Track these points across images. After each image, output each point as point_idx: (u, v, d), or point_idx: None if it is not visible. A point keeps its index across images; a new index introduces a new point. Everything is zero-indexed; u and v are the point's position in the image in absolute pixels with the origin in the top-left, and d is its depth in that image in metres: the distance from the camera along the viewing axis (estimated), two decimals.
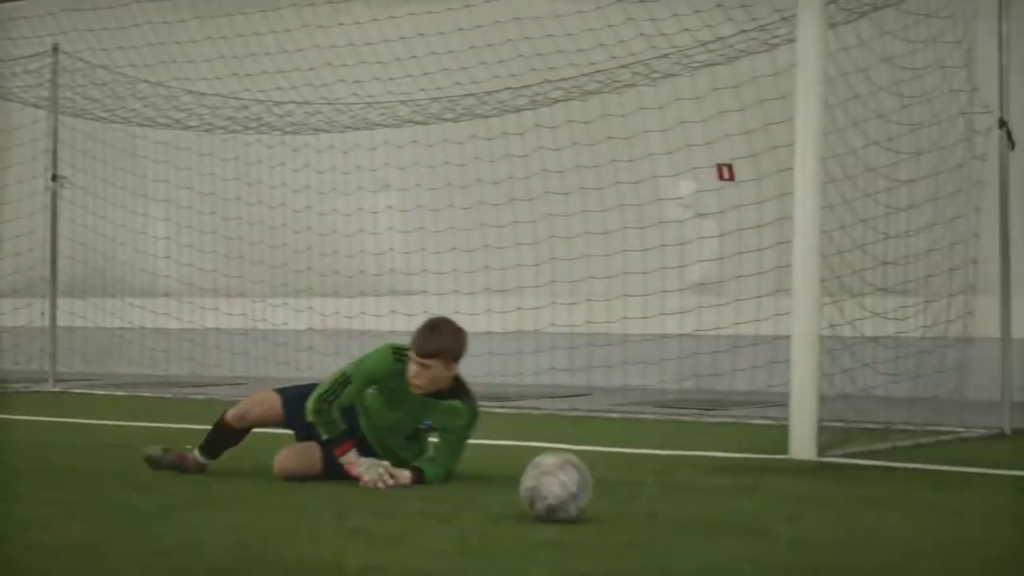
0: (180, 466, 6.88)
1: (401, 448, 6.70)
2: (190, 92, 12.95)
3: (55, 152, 14.17)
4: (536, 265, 12.46)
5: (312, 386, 6.65)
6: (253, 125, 12.95)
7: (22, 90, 14.17)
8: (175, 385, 13.51)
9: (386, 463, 6.54)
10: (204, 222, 14.44)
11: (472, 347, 12.65)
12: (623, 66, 10.83)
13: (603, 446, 8.51)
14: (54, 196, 14.13)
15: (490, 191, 12.56)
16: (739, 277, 11.45)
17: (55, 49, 13.90)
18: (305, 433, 6.71)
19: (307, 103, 12.41)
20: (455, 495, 6.17)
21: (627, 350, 12.07)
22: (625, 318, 11.99)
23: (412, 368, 6.42)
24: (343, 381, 6.58)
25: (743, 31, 9.98)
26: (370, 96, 11.97)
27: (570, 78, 11.14)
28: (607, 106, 11.75)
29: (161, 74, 13.01)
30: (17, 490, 6.36)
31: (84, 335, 15.21)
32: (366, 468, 6.50)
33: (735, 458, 7.96)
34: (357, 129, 12.71)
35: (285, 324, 13.67)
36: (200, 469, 6.92)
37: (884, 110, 9.77)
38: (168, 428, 9.67)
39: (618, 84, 11.06)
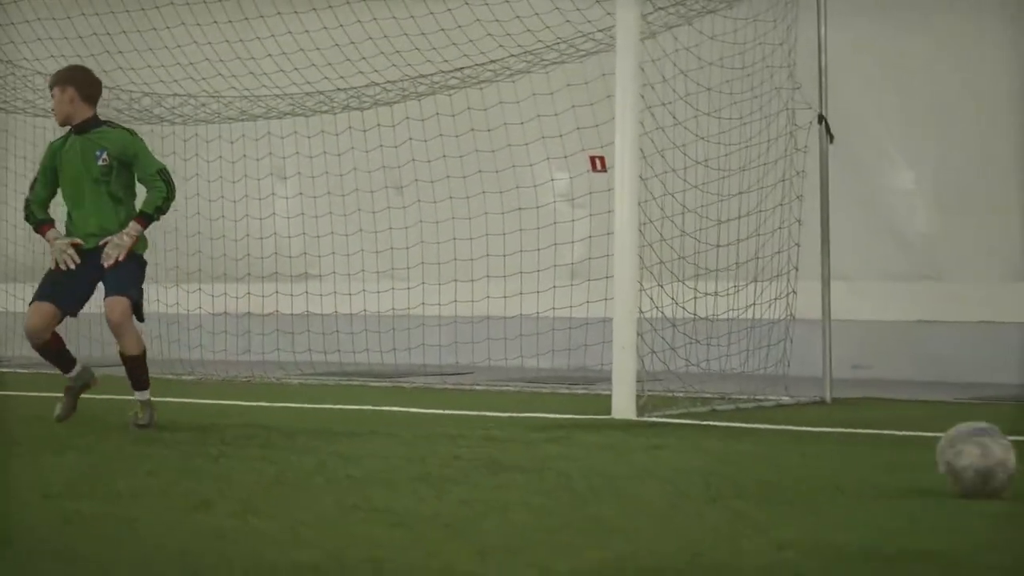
0: (76, 396, 8.51)
1: (98, 193, 8.16)
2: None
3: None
4: (407, 248, 13.23)
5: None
6: (143, 117, 13.59)
7: None
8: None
9: (70, 240, 8.12)
10: None
11: (353, 326, 13.38)
12: (479, 64, 11.67)
13: (456, 410, 9.41)
14: None
15: (364, 179, 13.33)
16: (591, 260, 12.26)
17: None
18: (77, 308, 8.32)
19: (190, 96, 13.10)
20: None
21: (493, 330, 12.84)
22: (488, 297, 12.76)
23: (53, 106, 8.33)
24: (32, 185, 8.50)
25: (582, 34, 10.84)
26: (247, 90, 12.68)
27: (431, 74, 11.94)
28: (471, 100, 12.56)
29: (53, 66, 13.59)
30: None
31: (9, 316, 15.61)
32: (55, 248, 8.16)
33: (563, 418, 8.87)
34: (241, 120, 13.44)
35: (176, 304, 14.29)
36: (84, 382, 8.54)
37: (714, 107, 10.70)
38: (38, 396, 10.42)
39: (475, 81, 11.89)
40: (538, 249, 12.58)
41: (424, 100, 12.62)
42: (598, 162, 12.22)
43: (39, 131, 14.33)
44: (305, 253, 13.99)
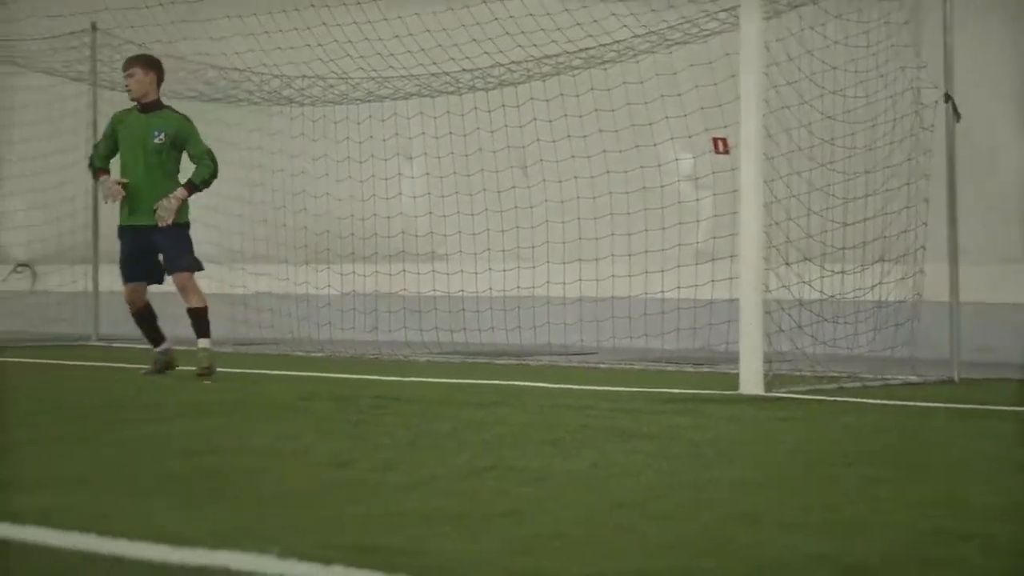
0: (165, 367, 10.10)
1: (154, 168, 9.75)
2: (213, 66, 13.89)
3: (95, 123, 15.18)
4: (532, 227, 13.33)
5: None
6: (273, 98, 13.87)
7: (64, 65, 15.11)
8: (215, 343, 14.47)
9: (116, 179, 9.80)
10: (231, 189, 15.32)
11: (479, 305, 13.52)
12: (603, 44, 11.75)
13: (582, 385, 9.51)
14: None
15: (490, 159, 13.45)
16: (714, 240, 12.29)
17: (93, 27, 14.92)
18: (157, 277, 10.03)
19: (319, 78, 13.32)
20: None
21: (617, 309, 12.90)
22: (613, 277, 12.83)
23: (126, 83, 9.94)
24: (96, 146, 10.30)
25: (706, 13, 10.87)
26: (374, 71, 12.87)
27: (555, 55, 12.04)
28: (595, 80, 12.64)
29: (185, 49, 13.92)
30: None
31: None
32: (104, 185, 9.90)
33: (690, 393, 8.93)
34: (368, 102, 13.64)
35: (305, 283, 14.56)
36: (168, 359, 10.13)
37: (839, 86, 10.69)
38: (189, 371, 10.71)
39: (599, 61, 11.97)
40: (663, 229, 12.62)
41: (549, 80, 12.71)
42: (720, 144, 12.23)
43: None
44: (432, 233, 14.15)
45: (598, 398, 8.56)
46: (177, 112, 10.03)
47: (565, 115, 12.89)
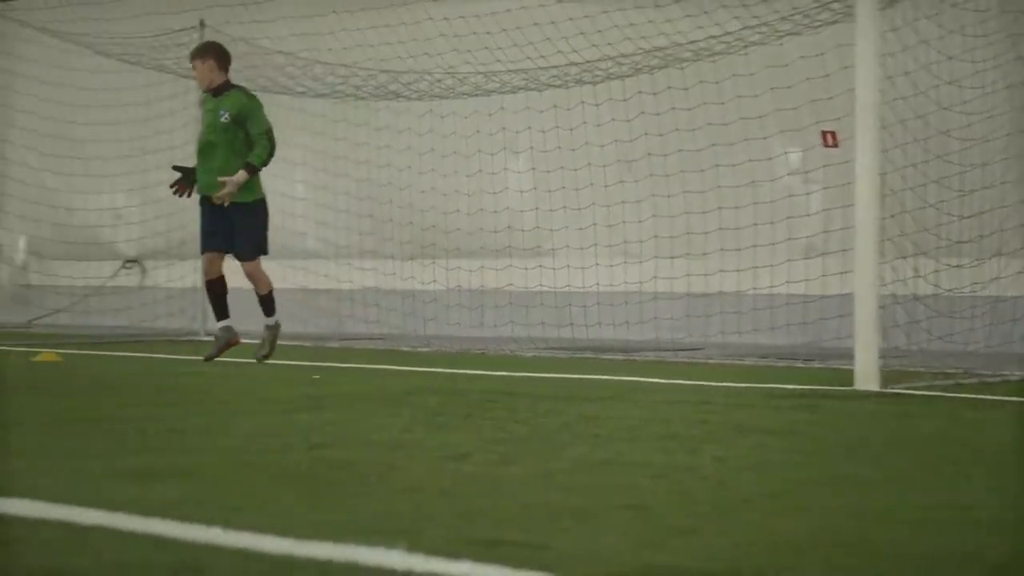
0: (228, 344, 10.61)
1: (223, 145, 10.29)
2: (320, 62, 13.93)
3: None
4: (639, 222, 13.23)
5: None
6: (379, 93, 13.88)
7: (173, 62, 15.24)
8: (316, 338, 14.56)
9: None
10: (338, 184, 15.38)
11: (585, 300, 13.42)
12: (712, 36, 11.62)
13: (693, 381, 9.41)
14: None
15: (597, 153, 13.37)
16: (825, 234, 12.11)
17: (201, 24, 15.04)
18: (227, 246, 10.55)
19: (426, 72, 13.32)
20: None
21: (726, 304, 12.77)
22: (721, 272, 12.70)
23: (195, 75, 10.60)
24: None
25: (819, 4, 10.71)
26: (481, 65, 12.84)
27: (664, 48, 11.93)
28: (703, 73, 12.51)
29: (293, 45, 13.98)
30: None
31: (233, 294, 16.20)
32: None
33: (805, 389, 8.79)
34: (475, 96, 13.61)
35: (411, 278, 14.57)
36: (228, 336, 10.58)
37: (955, 77, 10.50)
38: (291, 364, 10.77)
39: (708, 54, 11.84)
40: (772, 223, 12.48)
41: (656, 73, 12.60)
42: (829, 137, 12.06)
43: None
44: (538, 228, 14.09)
45: (711, 393, 8.46)
46: (244, 92, 10.59)
47: (673, 108, 12.77)
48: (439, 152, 14.32)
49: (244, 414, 6.95)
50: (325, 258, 15.68)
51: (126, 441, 5.77)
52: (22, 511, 4.05)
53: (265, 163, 10.45)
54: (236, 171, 10.28)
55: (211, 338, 13.81)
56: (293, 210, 15.96)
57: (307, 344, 13.75)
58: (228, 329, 10.64)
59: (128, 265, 18.27)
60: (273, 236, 16.22)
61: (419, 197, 14.52)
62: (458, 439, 6.04)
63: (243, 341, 10.70)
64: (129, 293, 17.36)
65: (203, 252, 10.64)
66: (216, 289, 10.67)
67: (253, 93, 10.76)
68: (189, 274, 15.91)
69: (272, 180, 16.16)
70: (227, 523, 3.88)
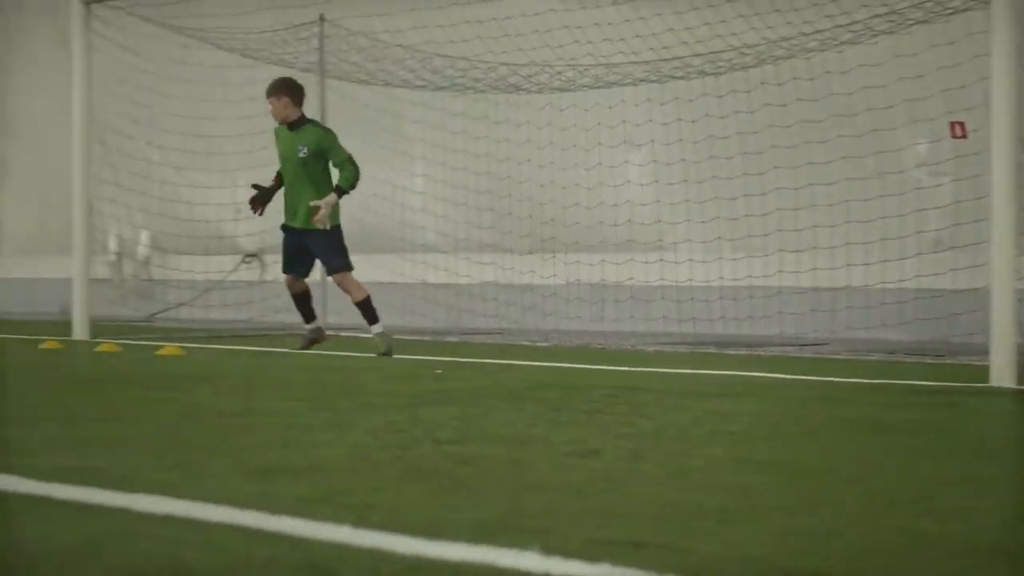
0: (315, 340, 11.42)
1: (301, 178, 10.90)
2: (440, 55, 13.86)
3: (323, 114, 15.31)
4: (763, 215, 12.99)
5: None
6: (499, 85, 13.78)
7: (293, 57, 15.26)
8: (435, 332, 14.50)
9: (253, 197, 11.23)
10: (457, 178, 15.31)
11: (708, 295, 13.20)
12: (839, 26, 11.35)
13: (821, 376, 9.18)
14: None
15: (720, 145, 13.16)
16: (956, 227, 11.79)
17: (321, 19, 15.04)
18: (305, 271, 11.29)
19: (547, 64, 13.18)
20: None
21: (852, 299, 12.50)
22: (848, 266, 12.44)
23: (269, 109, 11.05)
24: None
25: None
26: (602, 56, 12.68)
27: (789, 38, 11.69)
28: (829, 63, 12.24)
29: (413, 39, 13.92)
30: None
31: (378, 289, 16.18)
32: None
33: (939, 385, 8.53)
34: (596, 88, 13.45)
35: (531, 272, 14.46)
36: (314, 335, 11.44)
37: None
38: (411, 359, 10.71)
39: (834, 43, 11.57)
40: (900, 216, 12.19)
41: (781, 64, 12.36)
42: (958, 127, 11.78)
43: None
44: (659, 221, 13.91)
45: (841, 390, 8.25)
46: (319, 126, 11.23)
47: (798, 99, 12.52)
48: (559, 145, 14.19)
49: (368, 409, 6.86)
50: (444, 252, 15.62)
51: (251, 437, 5.71)
52: (148, 507, 3.98)
53: (353, 186, 10.97)
54: (316, 199, 10.86)
55: (330, 333, 13.93)
56: (412, 204, 15.93)
57: (426, 338, 13.70)
58: (316, 329, 11.55)
59: (248, 259, 18.37)
60: (392, 230, 16.32)
61: (538, 191, 14.40)
62: (584, 435, 5.91)
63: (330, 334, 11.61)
64: (249, 287, 17.45)
65: (284, 272, 11.37)
66: (301, 299, 11.38)
67: (327, 126, 11.38)
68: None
69: (391, 174, 16.17)
70: (357, 521, 3.77)
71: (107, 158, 16.77)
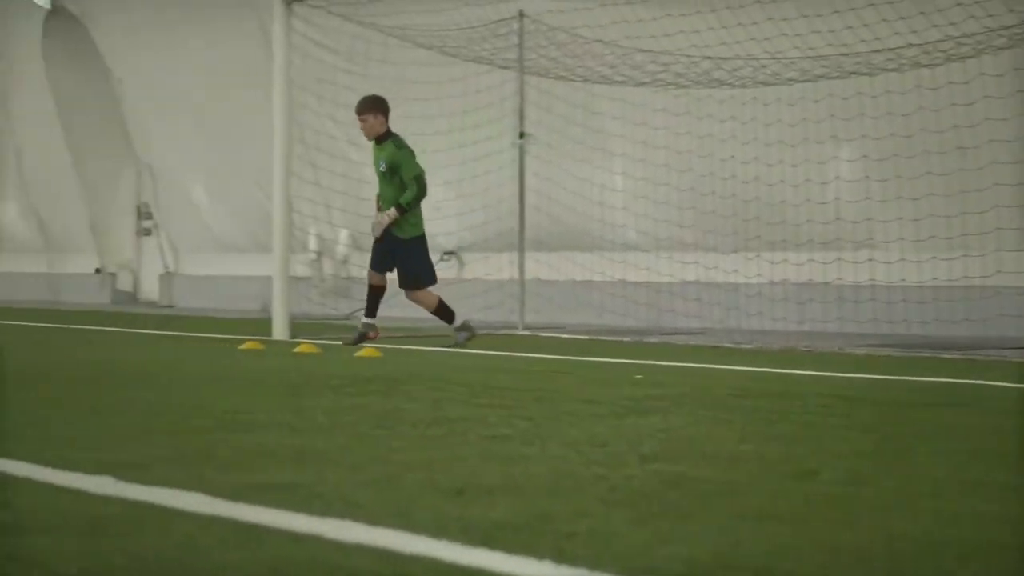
0: (367, 337, 12.10)
1: (385, 189, 12.00)
2: (641, 50, 13.53)
3: (522, 111, 15.12)
4: (980, 213, 12.41)
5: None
6: (703, 80, 13.40)
7: (491, 53, 15.09)
8: (635, 332, 14.19)
9: (380, 216, 12.06)
10: (659, 175, 14.98)
11: (921, 296, 12.67)
12: None
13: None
14: (521, 153, 15.06)
15: (934, 140, 12.59)
16: None
17: (520, 14, 14.83)
18: (388, 269, 12.23)
19: (752, 58, 12.77)
20: None
21: None
22: None
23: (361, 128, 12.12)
24: None
25: None
26: (810, 49, 12.22)
27: (1011, 26, 11.10)
28: None
29: (614, 33, 13.61)
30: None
31: (552, 285, 16.03)
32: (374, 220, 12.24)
33: None
34: (802, 82, 13.00)
35: (735, 271, 14.08)
36: (364, 331, 12.17)
37: None
38: (612, 362, 10.42)
39: None
40: None
41: (1000, 54, 11.77)
42: None
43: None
44: (869, 219, 13.39)
45: None
46: (396, 143, 11.99)
47: (1020, 91, 11.91)
48: (763, 141, 13.76)
49: (568, 418, 6.58)
50: (644, 251, 15.32)
51: (446, 449, 5.47)
52: (338, 534, 3.74)
53: (411, 205, 11.88)
54: None
55: (527, 332, 13.72)
56: (612, 202, 15.65)
57: (626, 339, 13.41)
58: (371, 326, 12.23)
59: (446, 257, 18.30)
60: (591, 228, 16.07)
61: (742, 188, 13.98)
62: (799, 452, 5.54)
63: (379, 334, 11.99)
64: (448, 285, 17.36)
65: (370, 269, 12.27)
66: (375, 293, 12.24)
67: (404, 142, 12.06)
68: (507, 267, 15.77)
69: (591, 171, 15.91)
70: (558, 555, 3.49)
71: (307, 157, 16.80)
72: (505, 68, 15.22)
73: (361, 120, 12.03)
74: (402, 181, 11.89)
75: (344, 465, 5.00)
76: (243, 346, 11.79)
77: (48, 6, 23.31)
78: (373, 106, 12.02)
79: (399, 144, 11.99)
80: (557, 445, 5.60)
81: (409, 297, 12.30)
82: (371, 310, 12.24)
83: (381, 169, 11.96)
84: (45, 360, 10.54)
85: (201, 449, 5.35)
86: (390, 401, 7.23)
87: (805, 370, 9.91)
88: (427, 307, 12.27)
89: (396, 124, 12.33)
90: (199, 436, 5.74)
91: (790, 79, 12.91)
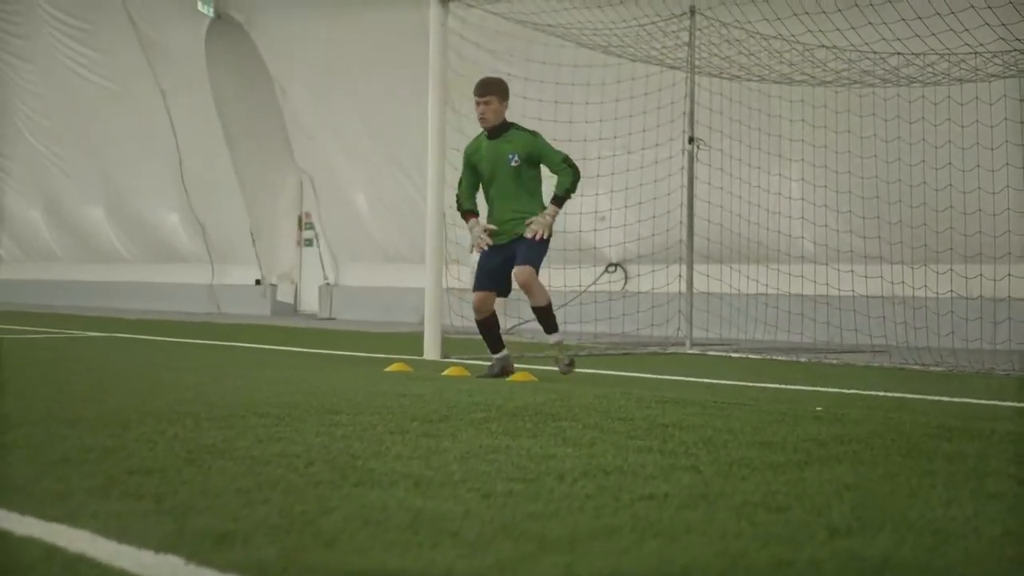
0: (504, 371, 10.27)
1: (513, 197, 10.05)
2: (824, 47, 12.50)
3: (691, 114, 14.18)
4: None
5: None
6: (891, 78, 12.33)
7: (660, 53, 14.20)
8: (811, 351, 13.19)
9: (485, 226, 10.13)
10: (840, 182, 13.97)
11: None
12: None
13: None
14: (691, 159, 14.13)
15: None
16: None
17: (692, 11, 13.89)
18: (506, 290, 10.27)
19: (950, 53, 11.66)
20: None
21: None
22: None
23: (477, 111, 10.20)
24: (459, 182, 10.39)
25: None
26: (980, 45, 11.08)
27: None
28: None
29: (795, 28, 12.60)
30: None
31: (721, 300, 15.13)
32: (473, 233, 10.20)
33: None
34: (974, 81, 11.85)
35: (924, 287, 13.01)
36: (503, 365, 10.31)
37: None
38: (788, 389, 9.45)
39: None
40: None
41: None
42: None
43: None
44: None
45: None
46: (522, 129, 10.25)
47: None
48: (957, 144, 12.62)
49: (741, 469, 5.62)
50: (823, 263, 14.31)
51: (592, 514, 4.57)
52: None
53: (572, 191, 10.09)
54: (534, 210, 10.08)
55: (695, 351, 12.86)
56: (788, 211, 14.67)
57: (801, 359, 12.42)
58: (504, 359, 10.45)
59: (611, 269, 17.56)
60: (764, 239, 15.08)
61: (933, 196, 12.86)
62: (1020, 523, 4.54)
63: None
64: (612, 300, 16.52)
65: (475, 291, 10.35)
66: (488, 325, 10.40)
67: (530, 128, 10.38)
68: (675, 280, 14.87)
69: (765, 179, 14.92)
70: None
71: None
72: (675, 68, 14.30)
73: (484, 103, 10.17)
74: (537, 174, 10.16)
75: (464, 540, 4.11)
76: (389, 368, 11.02)
77: (212, 15, 23.01)
78: (500, 88, 10.24)
79: (529, 131, 10.26)
80: (726, 510, 4.65)
81: (522, 280, 10.08)
82: (494, 344, 10.49)
83: (513, 163, 10.05)
84: (214, 391, 9.90)
85: (308, 513, 4.51)
86: (537, 443, 6.33)
87: (1008, 400, 8.82)
88: (537, 299, 10.10)
89: (555, 129, 11.49)
90: (310, 493, 4.91)
91: (992, 75, 11.75)
